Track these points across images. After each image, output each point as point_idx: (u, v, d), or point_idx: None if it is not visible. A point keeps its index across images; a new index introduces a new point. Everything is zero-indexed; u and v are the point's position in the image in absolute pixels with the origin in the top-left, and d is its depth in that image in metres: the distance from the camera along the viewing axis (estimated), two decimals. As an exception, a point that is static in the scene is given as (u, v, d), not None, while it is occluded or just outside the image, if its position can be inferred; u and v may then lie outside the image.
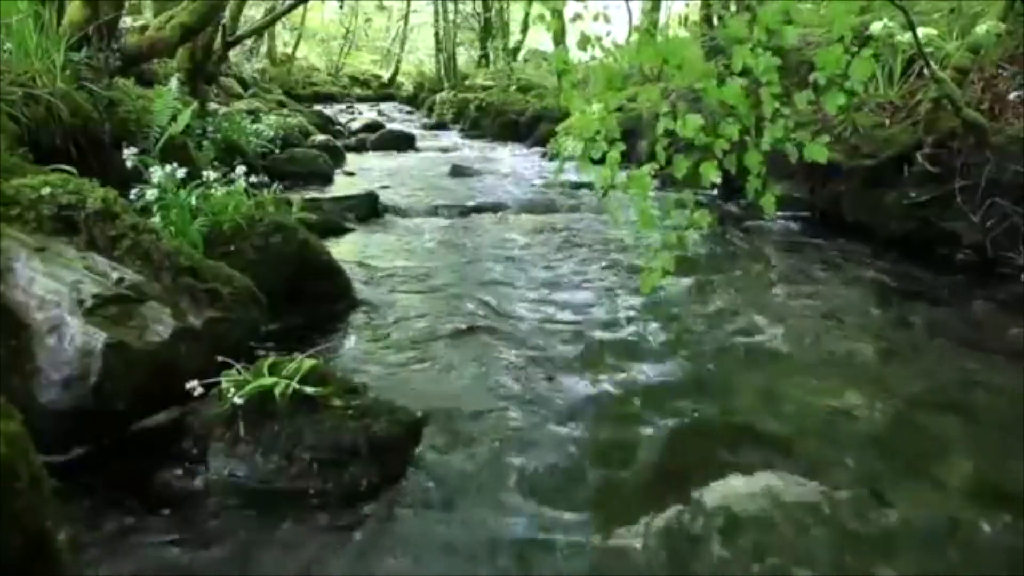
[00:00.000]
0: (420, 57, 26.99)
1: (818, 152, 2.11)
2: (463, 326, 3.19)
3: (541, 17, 5.72)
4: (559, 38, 11.11)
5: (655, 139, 2.23)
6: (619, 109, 2.25)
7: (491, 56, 18.71)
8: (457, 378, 2.70)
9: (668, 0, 12.98)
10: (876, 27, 4.23)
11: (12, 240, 2.26)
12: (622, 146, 2.20)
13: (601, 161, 2.29)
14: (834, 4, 2.16)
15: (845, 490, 2.00)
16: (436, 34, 20.25)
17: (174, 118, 4.44)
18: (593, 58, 2.19)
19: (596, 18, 2.42)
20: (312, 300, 3.26)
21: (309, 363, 2.15)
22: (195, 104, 5.24)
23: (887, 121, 5.09)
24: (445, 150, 10.27)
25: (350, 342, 2.92)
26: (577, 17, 2.40)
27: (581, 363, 2.86)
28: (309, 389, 2.07)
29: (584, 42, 2.19)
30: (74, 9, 4.64)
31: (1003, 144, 4.19)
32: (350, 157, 8.92)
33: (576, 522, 1.89)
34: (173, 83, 4.74)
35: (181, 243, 2.78)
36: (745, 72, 2.11)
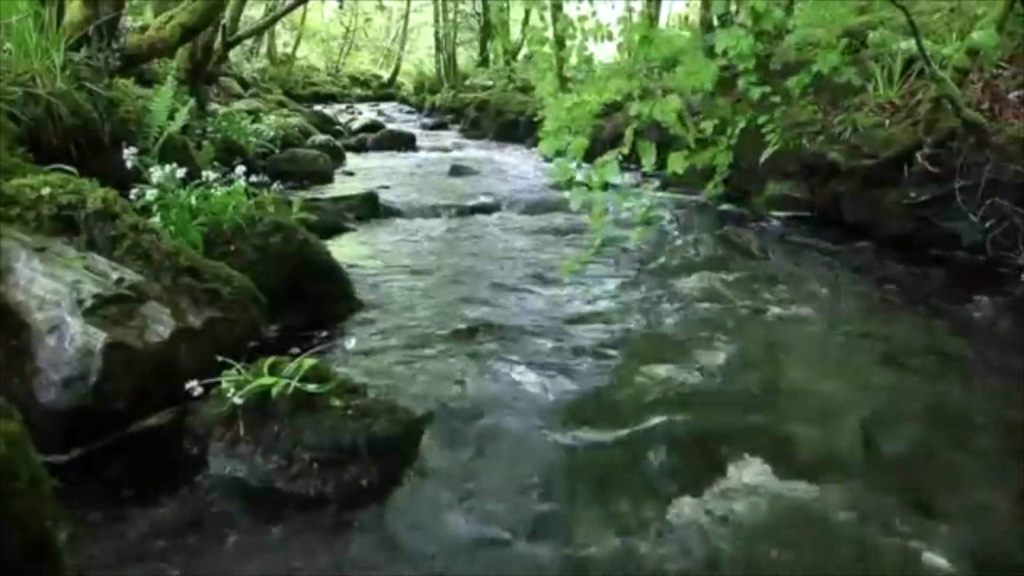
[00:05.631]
0: (420, 57, 27.03)
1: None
2: (463, 326, 3.19)
3: (541, 18, 5.71)
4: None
5: (626, 123, 2.21)
6: (619, 108, 2.25)
7: (491, 56, 18.71)
8: (457, 378, 2.70)
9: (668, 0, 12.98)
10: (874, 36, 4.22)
11: (12, 240, 2.26)
12: (585, 141, 2.17)
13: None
14: (832, 4, 2.15)
15: (846, 490, 2.00)
16: (436, 34, 20.27)
17: (171, 116, 4.44)
18: (571, 35, 2.16)
19: None
20: (312, 300, 3.25)
21: (309, 363, 2.15)
22: (191, 102, 5.24)
23: (887, 121, 5.09)
24: (445, 150, 10.26)
25: (350, 342, 2.92)
26: (557, 7, 2.37)
27: (582, 362, 2.86)
28: (309, 388, 2.07)
29: (565, 24, 2.17)
30: (74, 9, 4.64)
31: (1003, 144, 4.19)
32: (350, 157, 8.91)
33: (578, 522, 1.89)
34: (169, 82, 4.74)
35: (181, 243, 2.78)
36: (730, 69, 2.11)
